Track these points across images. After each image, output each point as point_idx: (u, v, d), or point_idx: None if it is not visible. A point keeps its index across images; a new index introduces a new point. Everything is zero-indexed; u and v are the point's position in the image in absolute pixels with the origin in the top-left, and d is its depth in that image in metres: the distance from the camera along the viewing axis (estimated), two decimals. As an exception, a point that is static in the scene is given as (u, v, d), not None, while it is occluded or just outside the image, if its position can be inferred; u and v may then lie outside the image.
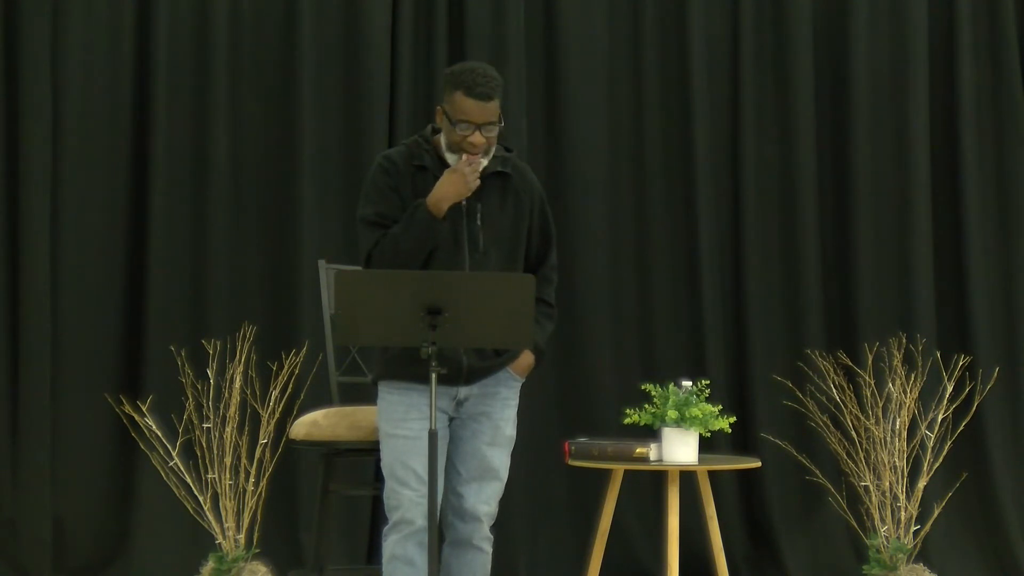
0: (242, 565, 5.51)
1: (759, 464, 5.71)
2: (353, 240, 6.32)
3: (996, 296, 6.90)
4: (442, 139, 4.28)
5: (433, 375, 3.96)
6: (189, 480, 5.60)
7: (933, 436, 5.97)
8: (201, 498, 5.59)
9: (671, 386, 5.24)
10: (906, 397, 5.91)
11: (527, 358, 4.38)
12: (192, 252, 6.41)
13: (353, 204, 6.37)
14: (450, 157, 4.25)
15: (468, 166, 4.18)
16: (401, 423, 4.25)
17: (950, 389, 6.03)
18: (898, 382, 5.93)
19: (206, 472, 5.59)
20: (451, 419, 4.34)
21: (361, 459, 5.32)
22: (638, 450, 5.24)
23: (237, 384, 5.60)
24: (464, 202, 4.27)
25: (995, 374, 6.54)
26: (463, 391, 4.31)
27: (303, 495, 6.28)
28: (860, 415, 5.94)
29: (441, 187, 4.19)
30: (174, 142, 6.41)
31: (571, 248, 6.50)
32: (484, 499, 4.33)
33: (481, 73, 4.21)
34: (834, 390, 5.98)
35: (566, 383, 6.66)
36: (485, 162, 4.27)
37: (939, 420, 5.98)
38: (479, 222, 4.28)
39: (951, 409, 6.01)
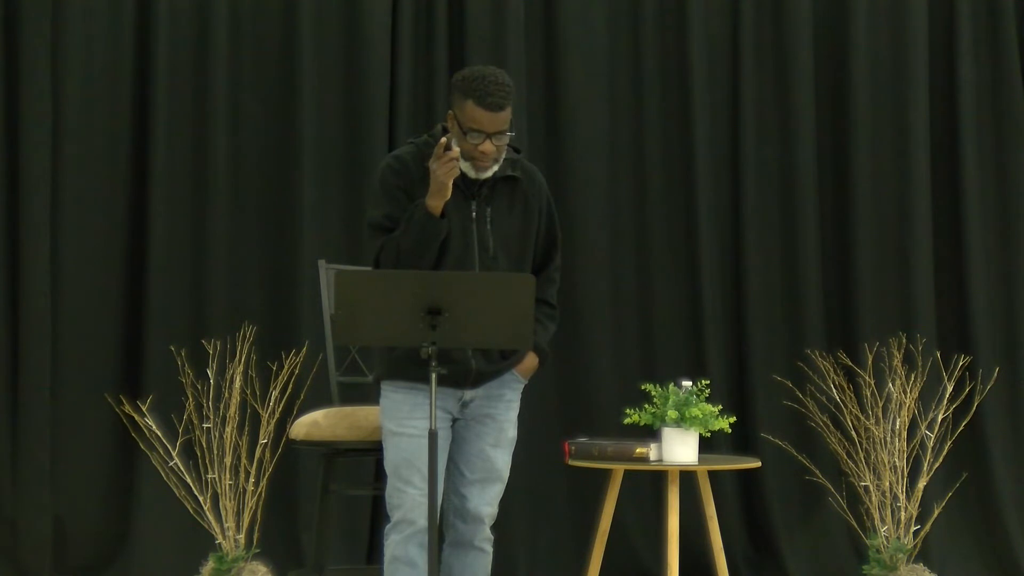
0: (242, 565, 5.51)
1: (759, 464, 5.72)
2: (353, 240, 6.39)
3: (996, 296, 6.90)
4: (452, 143, 4.24)
5: (433, 375, 3.96)
6: (189, 480, 5.60)
7: (933, 436, 5.97)
8: (201, 498, 5.59)
9: (671, 386, 5.24)
10: (906, 397, 5.91)
11: (531, 360, 4.38)
12: (192, 252, 6.41)
13: (353, 204, 6.46)
14: (461, 163, 4.21)
15: (437, 161, 4.10)
16: (406, 421, 4.24)
17: (950, 389, 6.03)
18: (898, 382, 5.93)
19: (206, 472, 5.59)
20: (454, 420, 4.34)
21: (361, 459, 5.33)
22: (638, 450, 5.24)
23: (237, 384, 5.59)
24: (474, 205, 4.25)
25: (995, 374, 6.54)
26: (468, 393, 4.31)
27: (303, 495, 6.28)
28: (860, 415, 5.94)
29: (430, 184, 4.15)
30: (174, 142, 6.40)
31: (571, 248, 6.48)
32: (487, 500, 4.33)
33: (493, 81, 4.14)
34: (834, 390, 5.98)
35: (566, 383, 6.66)
36: (495, 168, 4.24)
37: (939, 420, 5.98)
38: (489, 226, 4.27)
39: (951, 409, 6.01)
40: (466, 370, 4.25)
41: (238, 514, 5.58)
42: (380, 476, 4.38)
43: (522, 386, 4.41)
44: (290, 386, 5.66)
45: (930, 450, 5.98)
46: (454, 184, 4.19)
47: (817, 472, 6.12)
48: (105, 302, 6.36)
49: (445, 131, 4.27)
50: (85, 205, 6.36)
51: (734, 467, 5.77)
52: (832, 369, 6.02)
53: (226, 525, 5.56)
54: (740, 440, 6.54)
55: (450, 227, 4.21)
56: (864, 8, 6.86)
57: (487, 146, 4.17)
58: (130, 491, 6.29)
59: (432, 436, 3.98)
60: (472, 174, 4.23)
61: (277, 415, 5.58)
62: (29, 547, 6.19)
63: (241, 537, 5.57)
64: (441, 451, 4.18)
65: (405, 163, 4.26)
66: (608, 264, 6.73)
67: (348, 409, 5.04)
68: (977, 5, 6.94)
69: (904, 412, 5.90)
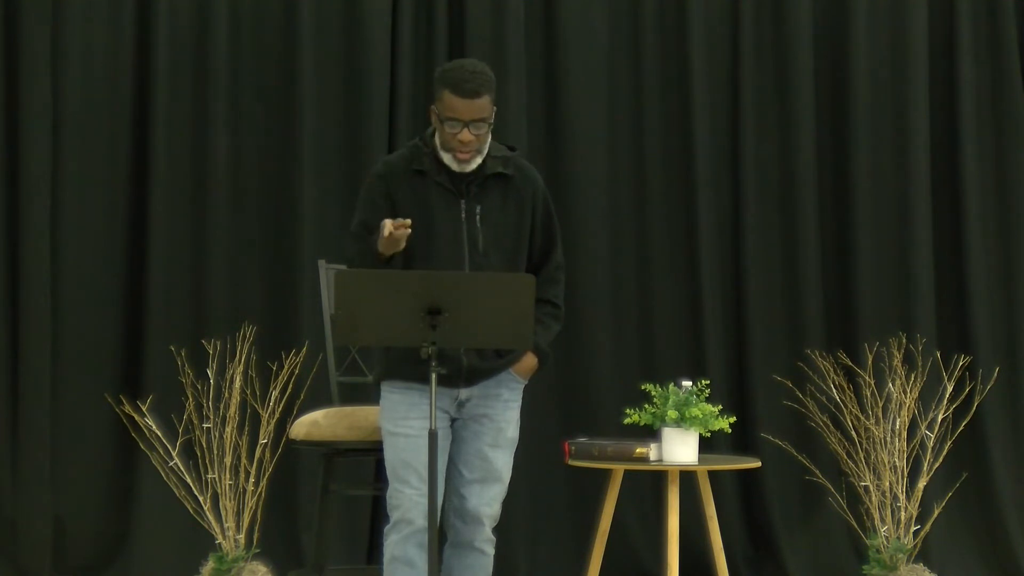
0: (242, 565, 5.52)
1: (759, 464, 5.72)
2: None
3: (996, 296, 6.89)
4: (437, 139, 4.28)
5: (433, 375, 3.96)
6: (189, 480, 5.60)
7: (933, 436, 5.97)
8: (201, 498, 5.59)
9: (671, 386, 5.24)
10: (906, 397, 5.91)
11: (529, 360, 4.38)
12: (192, 252, 6.42)
13: (353, 204, 6.37)
14: (445, 156, 4.25)
15: (391, 229, 4.08)
16: (402, 422, 4.25)
17: (950, 389, 6.03)
18: (898, 382, 5.93)
19: (206, 472, 5.59)
20: (453, 420, 4.34)
21: (361, 459, 5.33)
22: (638, 450, 5.24)
23: (237, 384, 5.60)
24: (463, 204, 4.26)
25: (995, 374, 6.54)
26: (464, 392, 4.31)
27: (303, 495, 6.28)
28: (860, 415, 5.94)
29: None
30: (174, 142, 6.41)
31: (571, 248, 6.46)
32: (486, 501, 4.33)
33: (469, 70, 4.20)
34: (834, 390, 5.98)
35: (566, 383, 6.65)
36: (479, 159, 4.26)
37: (939, 420, 5.98)
38: (479, 223, 4.27)
39: (951, 409, 6.01)
40: (458, 367, 4.25)
41: (238, 514, 5.58)
42: (380, 476, 4.38)
43: (521, 386, 4.40)
44: (290, 386, 5.66)
45: (930, 450, 5.98)
46: (442, 184, 4.25)
47: (817, 472, 6.12)
48: (105, 302, 6.36)
49: (435, 133, 4.30)
50: (85, 205, 6.36)
51: (734, 467, 5.77)
52: (832, 369, 6.02)
53: (226, 525, 5.56)
54: (740, 440, 6.54)
55: (440, 225, 4.23)
56: (864, 8, 6.86)
57: (465, 135, 4.19)
58: (130, 491, 6.29)
59: (432, 436, 3.98)
60: (455, 167, 4.26)
61: (277, 415, 5.59)
62: (29, 547, 6.19)
63: (241, 537, 5.57)
64: (441, 451, 4.19)
65: (392, 167, 4.31)
66: (608, 264, 6.72)
67: (348, 409, 5.04)
68: (977, 5, 6.94)
69: (904, 412, 5.90)
